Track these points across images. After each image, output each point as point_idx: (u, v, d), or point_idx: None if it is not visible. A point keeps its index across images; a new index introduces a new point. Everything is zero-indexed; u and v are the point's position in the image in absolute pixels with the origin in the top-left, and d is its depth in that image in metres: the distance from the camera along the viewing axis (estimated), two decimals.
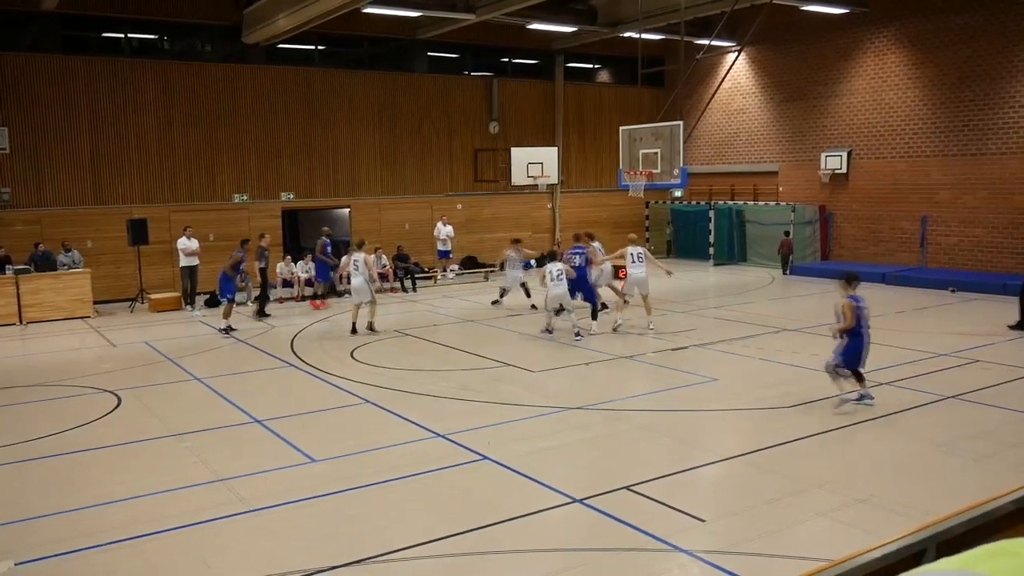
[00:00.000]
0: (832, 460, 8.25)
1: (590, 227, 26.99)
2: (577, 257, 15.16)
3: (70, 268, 18.32)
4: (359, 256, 15.51)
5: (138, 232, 18.86)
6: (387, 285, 21.42)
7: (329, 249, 19.24)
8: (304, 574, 5.97)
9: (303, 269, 20.23)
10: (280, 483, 7.83)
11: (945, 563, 0.97)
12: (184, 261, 19.08)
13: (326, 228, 19.61)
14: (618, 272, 22.92)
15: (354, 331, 15.37)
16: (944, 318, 15.67)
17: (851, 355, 9.76)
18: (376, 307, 15.77)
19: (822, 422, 9.37)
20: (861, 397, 9.89)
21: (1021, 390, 10.56)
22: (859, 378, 9.88)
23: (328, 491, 7.58)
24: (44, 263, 18.06)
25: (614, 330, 14.86)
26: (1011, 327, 14.52)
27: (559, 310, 14.63)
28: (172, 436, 9.42)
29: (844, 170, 23.31)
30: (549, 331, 14.63)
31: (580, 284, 15.14)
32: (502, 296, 18.40)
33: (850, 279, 10.00)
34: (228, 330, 15.78)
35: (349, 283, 20.94)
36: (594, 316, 15.27)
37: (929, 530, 3.04)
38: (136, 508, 7.29)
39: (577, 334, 14.26)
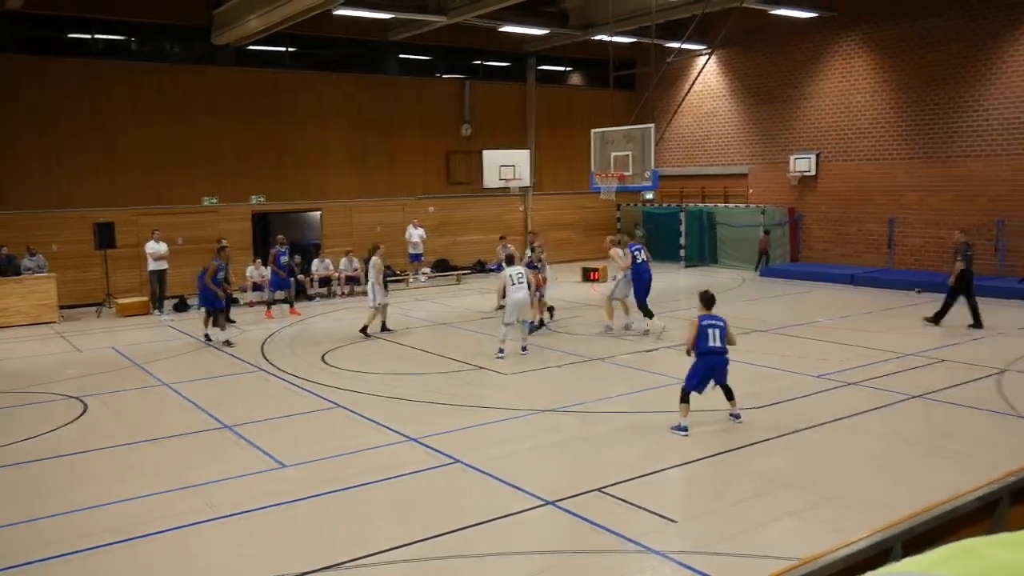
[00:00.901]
0: (800, 460, 8.33)
1: (563, 229, 27.22)
2: (639, 253, 14.70)
3: (35, 272, 18.03)
4: (371, 260, 15.53)
5: (105, 236, 18.61)
6: (358, 288, 21.32)
7: (283, 258, 18.40)
8: None
9: (260, 275, 19.89)
10: (251, 489, 7.76)
11: (908, 564, 0.97)
12: (152, 265, 18.86)
13: (280, 236, 19.10)
14: (589, 275, 23.05)
15: (384, 328, 15.57)
16: (911, 318, 15.88)
17: (691, 375, 9.18)
18: (370, 313, 15.50)
19: (791, 422, 9.45)
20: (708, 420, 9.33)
21: (985, 389, 10.73)
22: (683, 400, 9.13)
23: (299, 496, 7.52)
24: (8, 267, 17.76)
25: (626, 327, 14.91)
26: (927, 319, 15.13)
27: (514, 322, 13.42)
28: (140, 442, 9.30)
29: (813, 172, 23.57)
30: (502, 352, 13.19)
31: (644, 283, 14.67)
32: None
33: (704, 299, 9.54)
34: (208, 337, 15.23)
35: (320, 287, 21.02)
36: (649, 316, 14.69)
37: (895, 528, 3.08)
38: (103, 516, 7.18)
39: (524, 348, 13.36)
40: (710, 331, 9.14)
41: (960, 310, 14.90)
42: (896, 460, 8.30)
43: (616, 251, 15.22)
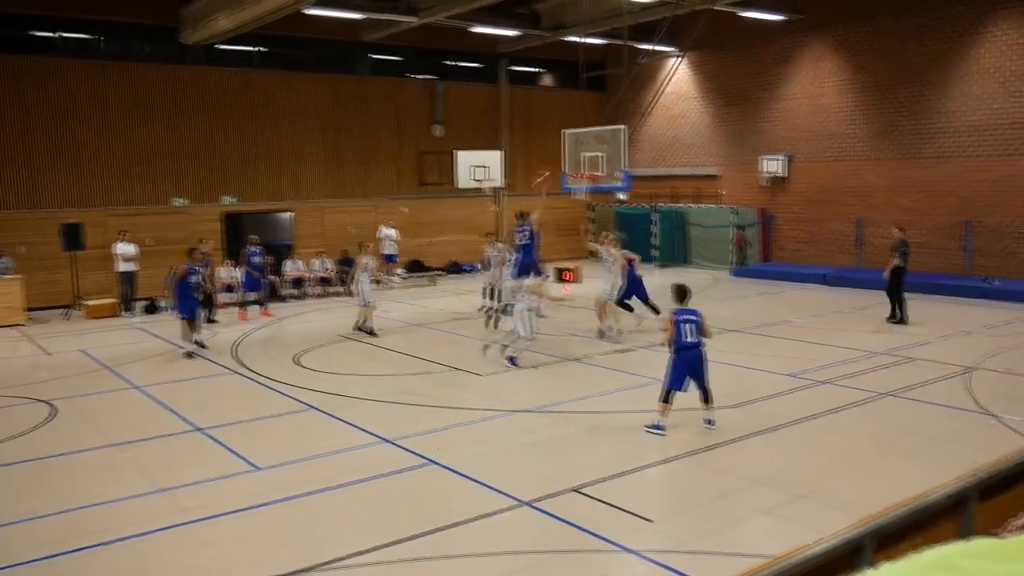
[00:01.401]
0: (774, 458, 8.41)
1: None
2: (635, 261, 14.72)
3: (1, 274, 17.74)
4: (359, 257, 15.62)
5: (73, 237, 18.34)
6: (331, 289, 21.24)
7: (256, 259, 18.29)
8: None
9: (231, 276, 19.77)
10: (224, 492, 7.69)
11: (887, 573, 0.98)
12: (122, 266, 18.68)
13: (253, 236, 19.02)
14: (562, 275, 23.08)
15: (360, 330, 15.56)
16: (880, 317, 16.09)
17: (671, 374, 9.22)
18: (366, 311, 15.55)
19: (764, 421, 9.54)
20: (710, 421, 9.32)
21: (953, 387, 10.91)
22: (665, 400, 9.20)
23: (273, 499, 7.47)
24: None
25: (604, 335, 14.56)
26: (888, 319, 15.60)
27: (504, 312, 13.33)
28: (111, 446, 9.18)
29: (783, 173, 23.80)
30: (505, 346, 12.91)
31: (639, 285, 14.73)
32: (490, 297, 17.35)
33: (678, 293, 9.48)
34: (191, 354, 13.93)
35: (293, 287, 20.88)
36: (655, 311, 14.55)
37: (867, 525, 3.13)
38: (73, 521, 7.08)
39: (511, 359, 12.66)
40: (684, 326, 9.17)
41: (934, 308, 15.16)
42: (867, 457, 8.41)
43: (613, 250, 14.92)
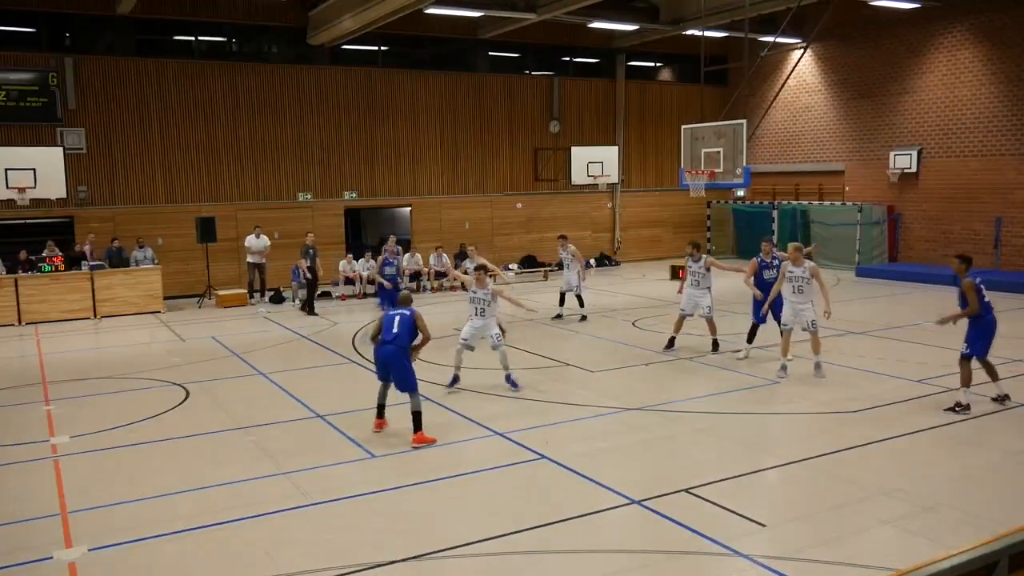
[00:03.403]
0: (898, 467, 8.04)
1: (652, 227, 27.03)
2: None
3: (144, 264, 18.91)
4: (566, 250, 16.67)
5: (206, 230, 19.37)
6: (447, 283, 21.60)
7: (389, 268, 18.52)
8: (362, 568, 6.05)
9: (364, 267, 20.44)
10: (341, 478, 7.96)
11: None
12: (251, 258, 19.66)
13: (390, 242, 19.42)
14: (678, 273, 22.71)
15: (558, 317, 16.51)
16: (1019, 322, 15.11)
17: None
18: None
19: (889, 428, 9.13)
20: None
21: None
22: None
23: (387, 487, 7.67)
24: (118, 259, 18.70)
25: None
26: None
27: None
28: (237, 429, 9.64)
29: (914, 169, 22.69)
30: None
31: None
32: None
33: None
34: None
35: (410, 281, 21.34)
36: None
37: (1002, 541, 2.95)
38: (202, 499, 7.48)
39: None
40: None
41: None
42: (1002, 471, 7.92)
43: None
